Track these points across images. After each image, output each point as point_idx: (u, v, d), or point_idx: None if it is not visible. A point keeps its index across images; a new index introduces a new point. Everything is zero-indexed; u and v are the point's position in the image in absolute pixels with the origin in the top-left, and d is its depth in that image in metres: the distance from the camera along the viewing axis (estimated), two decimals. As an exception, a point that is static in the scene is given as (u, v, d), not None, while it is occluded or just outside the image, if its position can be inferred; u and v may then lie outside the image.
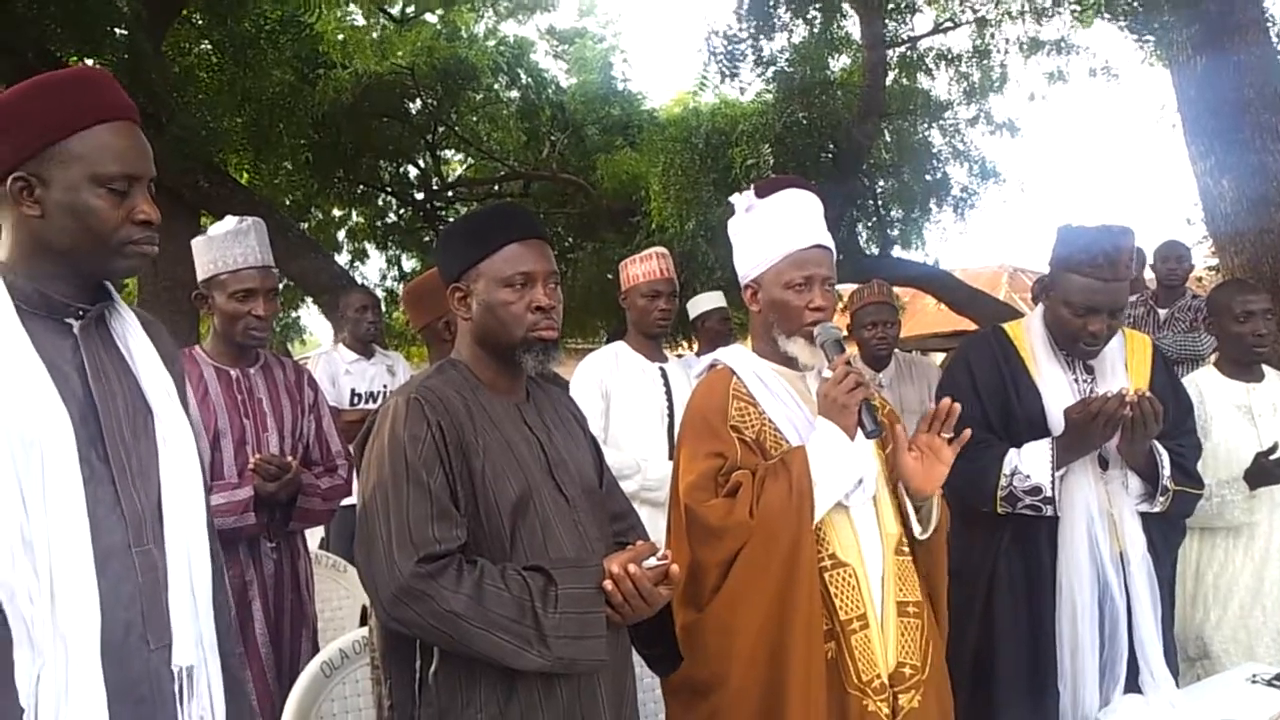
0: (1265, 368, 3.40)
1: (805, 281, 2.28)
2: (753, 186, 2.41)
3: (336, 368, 5.23)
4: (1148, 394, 2.56)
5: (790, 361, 2.35)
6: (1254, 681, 2.61)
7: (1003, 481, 2.67)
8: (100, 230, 1.53)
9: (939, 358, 9.98)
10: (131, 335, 1.63)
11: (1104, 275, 2.62)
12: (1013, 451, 2.69)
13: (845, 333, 2.31)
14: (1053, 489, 2.63)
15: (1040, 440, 2.68)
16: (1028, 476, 2.65)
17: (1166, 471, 2.67)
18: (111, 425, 1.53)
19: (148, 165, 1.59)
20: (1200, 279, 9.55)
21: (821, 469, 2.16)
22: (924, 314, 13.48)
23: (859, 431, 2.18)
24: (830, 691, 2.15)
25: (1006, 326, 2.95)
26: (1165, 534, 2.78)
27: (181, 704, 1.53)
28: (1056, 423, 2.69)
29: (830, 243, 2.37)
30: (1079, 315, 2.68)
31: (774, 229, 2.34)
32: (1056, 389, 2.75)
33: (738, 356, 2.41)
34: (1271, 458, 3.09)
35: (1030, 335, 2.85)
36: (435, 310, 3.10)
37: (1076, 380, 2.79)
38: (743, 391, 2.32)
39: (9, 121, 1.51)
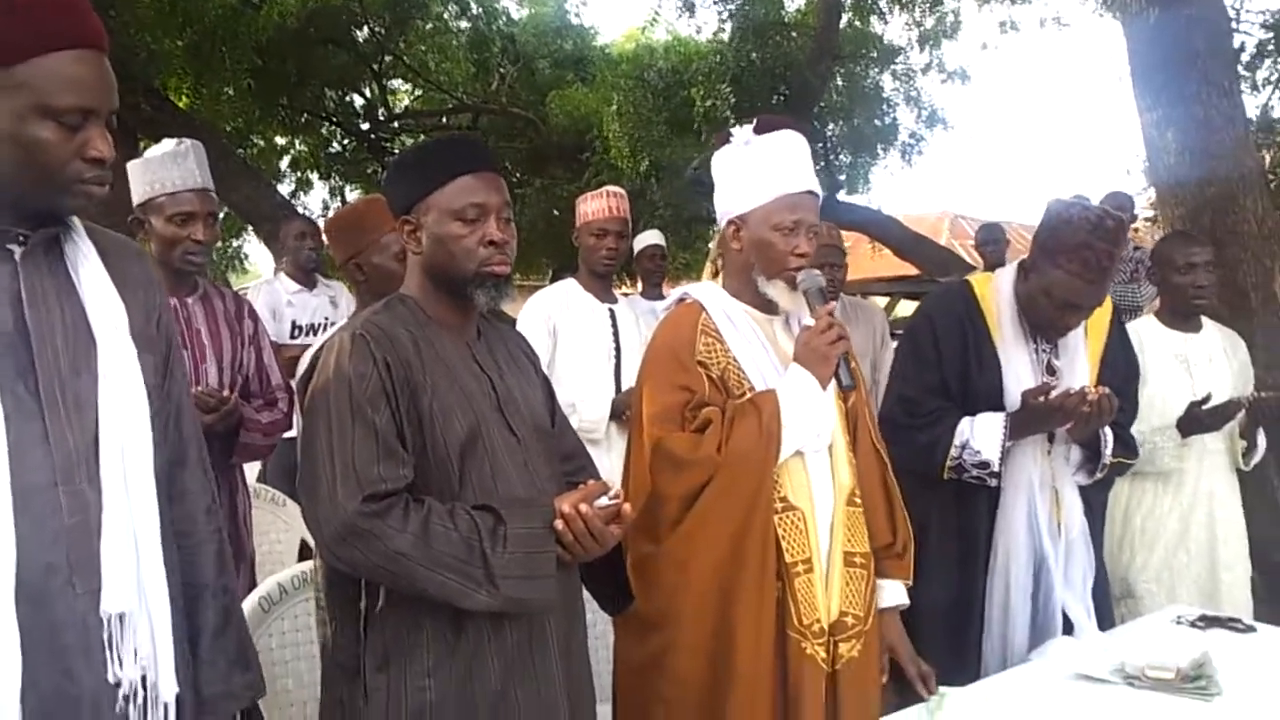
0: (1204, 319, 3.47)
1: (794, 226, 2.26)
2: (755, 120, 2.36)
3: (278, 299, 5.13)
4: (1108, 392, 2.56)
5: (764, 304, 2.34)
6: (1179, 623, 2.68)
7: (953, 453, 2.67)
8: (47, 164, 1.43)
9: (881, 302, 10.07)
10: (84, 263, 1.53)
11: (1091, 278, 2.55)
12: (965, 422, 2.68)
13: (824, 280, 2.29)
14: (1000, 464, 2.64)
15: (994, 415, 2.67)
16: (978, 452, 2.64)
17: (1109, 450, 2.72)
18: (47, 357, 1.44)
19: (108, 99, 1.47)
20: (1138, 229, 9.70)
21: (791, 415, 2.17)
22: (861, 259, 13.53)
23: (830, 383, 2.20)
24: (774, 632, 2.18)
25: (974, 283, 2.91)
26: (1097, 487, 2.84)
27: (111, 651, 1.44)
28: (1012, 396, 2.69)
29: (820, 190, 2.35)
30: (1057, 308, 2.64)
31: (769, 168, 2.30)
32: (1017, 362, 2.74)
33: (708, 293, 2.39)
34: (1204, 407, 3.16)
35: (998, 299, 2.79)
36: (350, 247, 2.94)
37: (1037, 351, 2.78)
38: (711, 328, 2.31)
39: None
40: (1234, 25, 7.13)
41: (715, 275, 2.52)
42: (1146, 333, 3.39)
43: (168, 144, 2.89)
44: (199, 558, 1.64)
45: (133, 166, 2.87)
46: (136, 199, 2.86)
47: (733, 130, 2.39)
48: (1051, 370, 2.77)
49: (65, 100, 1.42)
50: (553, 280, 6.90)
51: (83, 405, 1.46)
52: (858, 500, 2.34)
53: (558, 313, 3.89)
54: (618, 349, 3.87)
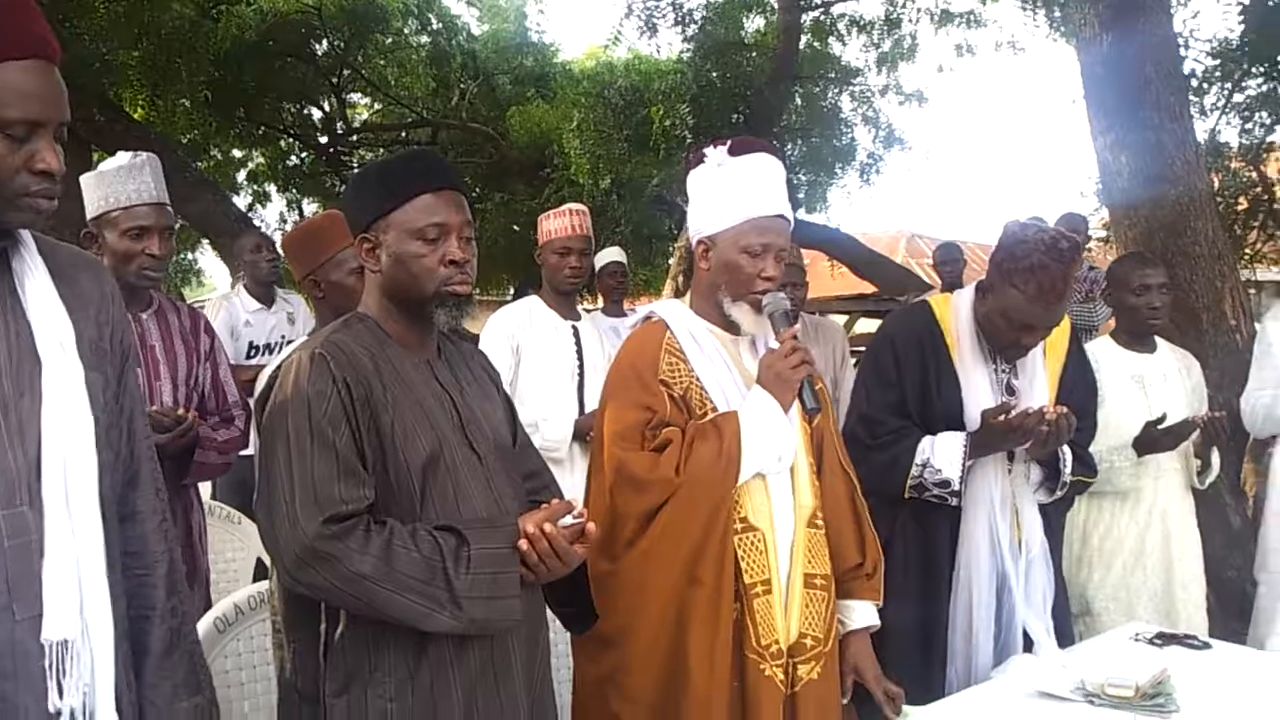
0: (1158, 339, 3.52)
1: (762, 249, 2.26)
2: (729, 142, 2.36)
3: (236, 318, 5.08)
4: (1065, 411, 2.59)
5: (729, 324, 2.33)
6: (1137, 640, 2.71)
7: (914, 471, 2.69)
8: None
9: (840, 320, 10.16)
10: (30, 279, 1.49)
11: (1047, 300, 2.57)
12: (926, 441, 2.70)
13: (790, 304, 2.29)
14: (961, 483, 2.66)
15: (954, 434, 2.69)
16: (939, 471, 2.67)
17: (1068, 469, 2.75)
18: None
19: (57, 110, 1.44)
20: (1091, 250, 9.87)
21: (752, 438, 2.17)
22: (821, 278, 13.64)
23: (794, 406, 2.20)
24: (732, 653, 2.17)
25: (934, 304, 2.93)
26: (1057, 504, 2.87)
27: (52, 679, 1.40)
28: (972, 416, 2.71)
29: (790, 215, 2.35)
30: (1014, 328, 2.65)
31: (740, 190, 2.30)
32: (976, 382, 2.76)
33: (674, 312, 2.39)
34: (1159, 427, 3.20)
35: (957, 320, 2.82)
36: (307, 264, 2.90)
37: (996, 371, 2.80)
38: (675, 347, 2.31)
39: None
40: (1183, 52, 7.28)
41: (676, 292, 2.52)
42: (1102, 353, 3.43)
43: (122, 157, 2.84)
44: (150, 579, 1.60)
45: (86, 180, 2.82)
46: (90, 213, 2.80)
47: (706, 150, 2.38)
48: (1011, 390, 2.80)
49: (11, 112, 1.39)
50: (515, 297, 6.88)
51: (25, 426, 1.43)
52: (819, 522, 2.34)
53: (521, 331, 3.86)
54: (581, 367, 3.85)
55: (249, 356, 5.04)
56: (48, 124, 1.43)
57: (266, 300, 5.20)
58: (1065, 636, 2.81)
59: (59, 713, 1.41)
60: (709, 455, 2.15)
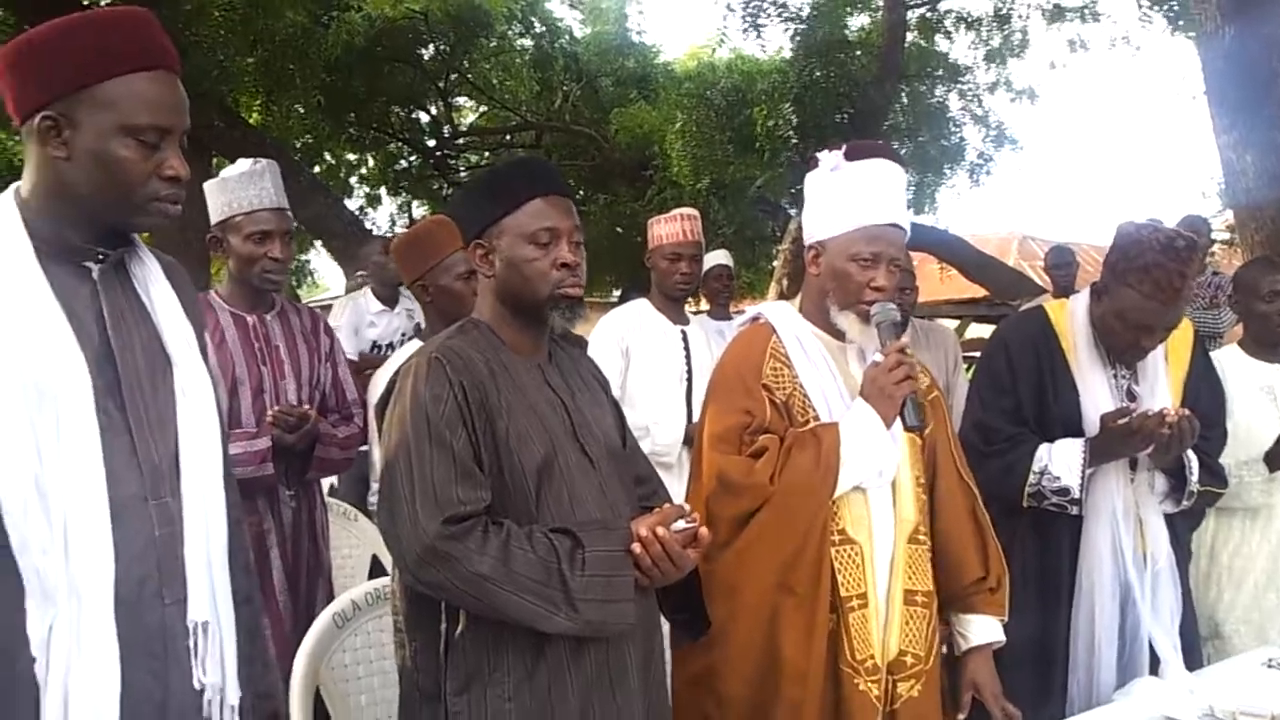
0: (1289, 348, 3.36)
1: (873, 258, 2.21)
2: (844, 147, 2.33)
3: (361, 318, 5.38)
4: (1187, 414, 2.50)
5: (837, 331, 2.30)
6: (1270, 666, 2.59)
7: (1031, 479, 2.62)
8: (126, 182, 1.48)
9: (951, 324, 9.96)
10: (153, 282, 1.59)
11: (1164, 299, 2.49)
12: (1043, 448, 2.63)
13: (900, 315, 2.24)
14: (1081, 491, 2.58)
15: (1073, 440, 2.62)
16: (1057, 478, 2.59)
17: (1194, 476, 2.64)
18: (129, 374, 1.50)
19: (182, 118, 1.53)
20: (1214, 253, 9.50)
21: (851, 451, 2.13)
22: (930, 280, 13.41)
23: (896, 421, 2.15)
24: (826, 664, 2.14)
25: (1049, 309, 2.86)
26: (1185, 519, 2.77)
27: (196, 660, 1.51)
28: (1091, 422, 2.63)
29: (906, 223, 2.30)
30: (1130, 329, 2.58)
31: (853, 196, 2.25)
32: (1095, 388, 2.68)
33: (782, 314, 2.36)
34: (1295, 441, 3.06)
35: (1073, 324, 2.75)
36: (416, 269, 2.98)
37: (1116, 376, 2.72)
38: (780, 351, 2.28)
39: (43, 58, 1.45)
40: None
41: (780, 296, 2.49)
42: (1230, 363, 3.29)
43: (244, 164, 2.94)
44: (231, 566, 1.67)
45: (209, 187, 2.93)
46: (214, 218, 2.91)
47: (821, 154, 2.34)
48: (1132, 396, 2.71)
49: (145, 119, 1.47)
50: (622, 299, 6.91)
51: (164, 422, 1.53)
52: (921, 537, 2.29)
53: (630, 334, 3.87)
54: (689, 372, 3.84)
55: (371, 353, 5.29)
56: (174, 131, 1.52)
57: (390, 302, 5.46)
58: (1193, 658, 2.70)
59: (203, 689, 1.52)
60: (806, 465, 2.12)
